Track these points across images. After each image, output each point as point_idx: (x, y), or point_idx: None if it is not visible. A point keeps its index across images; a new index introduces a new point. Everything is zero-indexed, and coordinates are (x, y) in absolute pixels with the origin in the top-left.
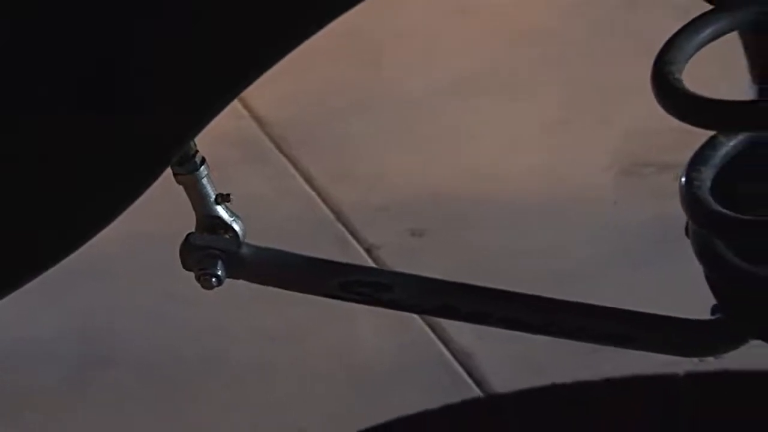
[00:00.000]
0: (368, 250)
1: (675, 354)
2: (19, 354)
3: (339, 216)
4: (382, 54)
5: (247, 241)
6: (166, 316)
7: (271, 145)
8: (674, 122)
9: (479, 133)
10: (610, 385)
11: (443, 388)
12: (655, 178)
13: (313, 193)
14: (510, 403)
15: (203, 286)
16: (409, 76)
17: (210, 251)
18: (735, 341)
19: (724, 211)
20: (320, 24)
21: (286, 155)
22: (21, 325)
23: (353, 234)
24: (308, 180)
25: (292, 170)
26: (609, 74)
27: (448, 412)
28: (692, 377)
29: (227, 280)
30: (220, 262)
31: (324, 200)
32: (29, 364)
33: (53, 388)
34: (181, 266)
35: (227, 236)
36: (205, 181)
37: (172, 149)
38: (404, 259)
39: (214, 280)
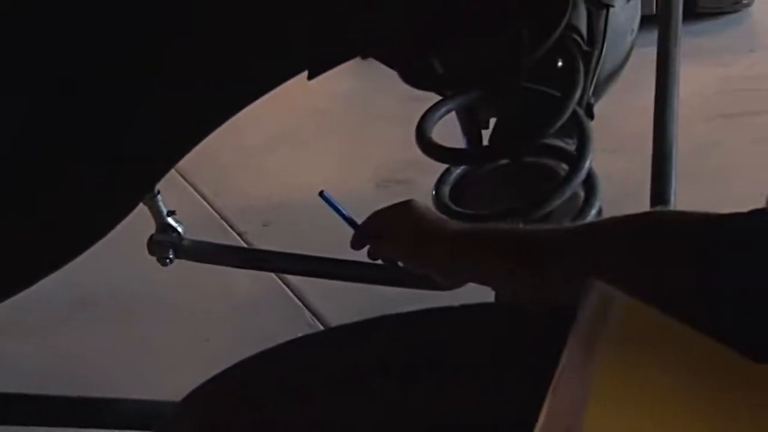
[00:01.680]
0: (240, 234)
1: (426, 289)
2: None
3: (220, 214)
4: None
5: (186, 236)
6: (127, 275)
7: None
8: (406, 157)
9: (291, 165)
10: (427, 312)
11: (284, 307)
12: (397, 189)
13: (204, 202)
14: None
15: (162, 265)
16: (239, 136)
17: (165, 244)
18: None
19: (458, 209)
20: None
21: (184, 178)
22: None
23: (230, 225)
24: (200, 194)
25: (190, 189)
26: (365, 133)
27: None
28: (464, 307)
29: (176, 260)
30: (171, 250)
31: (210, 205)
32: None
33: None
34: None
35: (174, 234)
36: (160, 203)
37: (154, 183)
38: (261, 239)
39: (168, 260)
